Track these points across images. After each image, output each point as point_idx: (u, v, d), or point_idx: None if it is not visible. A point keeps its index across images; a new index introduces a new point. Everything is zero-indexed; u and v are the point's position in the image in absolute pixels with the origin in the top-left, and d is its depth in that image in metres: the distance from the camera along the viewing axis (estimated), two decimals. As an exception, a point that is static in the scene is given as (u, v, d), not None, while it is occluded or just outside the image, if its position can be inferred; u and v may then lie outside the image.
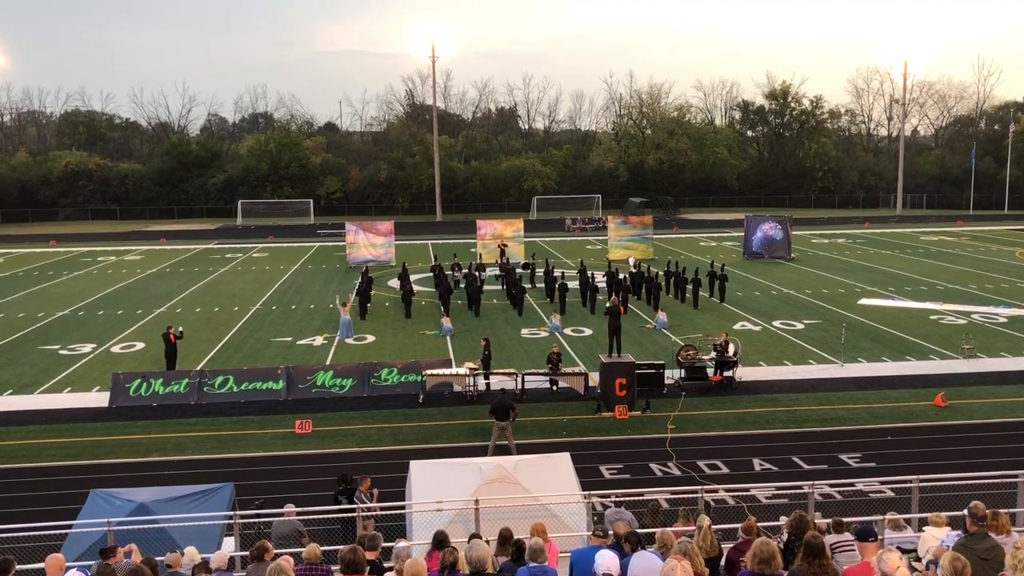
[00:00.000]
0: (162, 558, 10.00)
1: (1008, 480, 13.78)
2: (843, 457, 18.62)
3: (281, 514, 13.04)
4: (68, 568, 9.22)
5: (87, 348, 29.57)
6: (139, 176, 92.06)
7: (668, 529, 9.33)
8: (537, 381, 23.83)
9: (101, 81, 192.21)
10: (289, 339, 30.61)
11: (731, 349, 24.55)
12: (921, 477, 13.64)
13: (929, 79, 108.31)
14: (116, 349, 29.48)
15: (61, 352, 29.04)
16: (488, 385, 23.70)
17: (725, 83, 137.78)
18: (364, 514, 13.03)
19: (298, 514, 13.01)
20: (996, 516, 8.61)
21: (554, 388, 23.79)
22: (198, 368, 25.27)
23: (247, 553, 10.31)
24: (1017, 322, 31.90)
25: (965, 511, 8.69)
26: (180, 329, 27.23)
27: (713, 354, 24.53)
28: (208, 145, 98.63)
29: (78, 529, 12.54)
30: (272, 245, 63.19)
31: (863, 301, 36.54)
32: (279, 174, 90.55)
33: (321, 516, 13.20)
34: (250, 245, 63.15)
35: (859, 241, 61.15)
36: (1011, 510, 12.06)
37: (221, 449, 19.71)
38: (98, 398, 23.64)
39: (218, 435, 20.67)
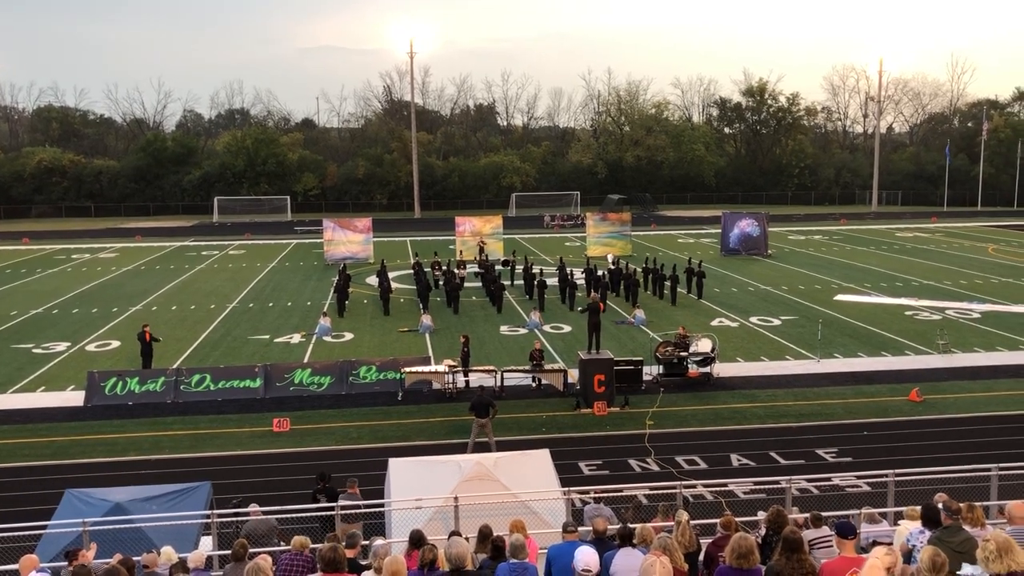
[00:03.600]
0: (139, 558, 9.91)
1: (981, 474, 13.94)
2: (820, 452, 18.78)
3: (256, 513, 12.95)
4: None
5: (61, 347, 29.22)
6: (114, 173, 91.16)
7: (648, 524, 9.35)
8: (517, 378, 23.82)
9: (75, 76, 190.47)
10: (266, 337, 30.43)
11: (707, 345, 24.64)
12: (897, 471, 13.80)
13: (904, 77, 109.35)
14: (91, 348, 29.17)
15: (35, 351, 28.68)
16: (467, 382, 23.67)
17: (702, 80, 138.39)
18: (348, 512, 12.96)
19: (275, 513, 12.94)
20: (972, 509, 8.71)
21: (537, 385, 23.80)
22: (174, 367, 25.05)
23: (226, 552, 10.24)
24: (990, 318, 32.29)
25: (939, 505, 8.78)
26: (159, 339, 27.02)
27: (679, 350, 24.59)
28: (184, 141, 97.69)
29: (53, 530, 12.40)
30: (249, 242, 62.76)
31: (839, 297, 36.85)
32: (256, 171, 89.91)
33: (299, 515, 13.14)
34: (227, 242, 62.67)
35: (835, 238, 61.64)
36: (985, 503, 12.20)
37: (198, 448, 19.56)
38: (73, 397, 23.36)
39: (195, 434, 20.51)
